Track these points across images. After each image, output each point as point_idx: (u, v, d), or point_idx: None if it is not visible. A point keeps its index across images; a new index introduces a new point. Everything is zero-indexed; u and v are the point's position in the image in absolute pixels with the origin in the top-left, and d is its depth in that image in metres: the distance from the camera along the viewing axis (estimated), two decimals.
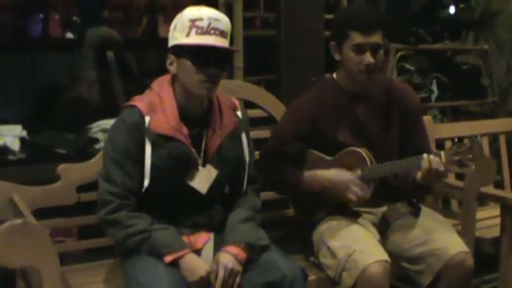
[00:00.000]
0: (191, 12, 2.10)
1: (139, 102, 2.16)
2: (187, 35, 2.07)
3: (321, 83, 2.63)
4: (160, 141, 2.11)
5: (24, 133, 3.29)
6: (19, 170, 3.01)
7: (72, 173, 2.36)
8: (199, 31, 2.06)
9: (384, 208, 2.52)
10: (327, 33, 3.79)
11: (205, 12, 2.09)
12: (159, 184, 2.13)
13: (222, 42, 2.09)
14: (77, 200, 2.37)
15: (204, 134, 2.19)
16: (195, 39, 2.06)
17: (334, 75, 2.53)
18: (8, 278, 2.33)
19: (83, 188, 2.36)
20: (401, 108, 2.50)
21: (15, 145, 3.21)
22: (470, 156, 2.21)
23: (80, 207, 2.37)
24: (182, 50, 2.10)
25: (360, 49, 2.33)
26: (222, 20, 2.10)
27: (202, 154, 2.18)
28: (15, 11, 3.44)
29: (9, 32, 3.44)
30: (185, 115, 2.15)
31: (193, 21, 2.07)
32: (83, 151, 3.21)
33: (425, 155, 2.26)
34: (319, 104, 2.46)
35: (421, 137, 2.55)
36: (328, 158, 2.46)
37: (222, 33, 2.09)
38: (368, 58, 2.33)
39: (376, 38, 2.34)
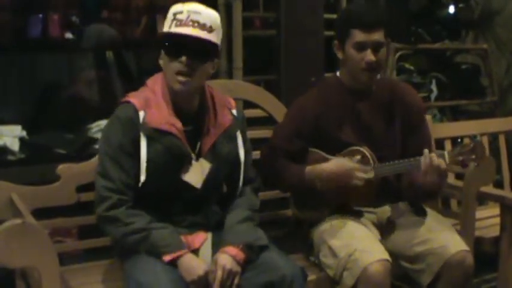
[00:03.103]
0: (176, 6, 2.12)
1: (134, 97, 2.17)
2: (169, 27, 2.09)
3: (324, 82, 2.64)
4: (155, 135, 2.11)
5: (24, 133, 3.30)
6: (19, 170, 3.02)
7: (71, 173, 2.35)
8: (178, 23, 2.07)
9: (385, 208, 2.52)
10: (327, 32, 3.80)
11: (187, 6, 2.09)
12: (155, 180, 2.12)
13: (200, 34, 2.06)
14: (76, 200, 2.36)
15: (199, 132, 2.19)
16: (171, 30, 2.08)
17: (338, 73, 2.53)
18: (8, 278, 2.33)
19: (82, 188, 2.36)
20: (404, 109, 2.50)
21: (15, 145, 3.22)
22: (473, 156, 2.25)
23: (79, 207, 2.37)
24: (161, 41, 2.12)
25: (361, 47, 2.34)
26: (204, 13, 2.08)
27: (197, 151, 2.18)
28: (14, 11, 3.44)
29: (8, 32, 3.44)
30: (178, 112, 2.16)
31: (175, 14, 2.09)
32: (83, 151, 3.22)
33: (426, 151, 2.26)
34: (322, 103, 2.47)
35: (422, 138, 2.54)
36: (330, 157, 2.46)
37: (203, 26, 2.07)
38: (369, 56, 2.34)
39: (377, 36, 2.34)
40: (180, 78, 2.08)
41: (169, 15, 2.11)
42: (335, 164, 2.37)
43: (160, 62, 2.16)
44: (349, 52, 2.38)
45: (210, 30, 2.09)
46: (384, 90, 2.50)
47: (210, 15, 2.11)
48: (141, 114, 2.12)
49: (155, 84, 2.19)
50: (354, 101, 2.46)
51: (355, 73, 2.40)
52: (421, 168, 2.27)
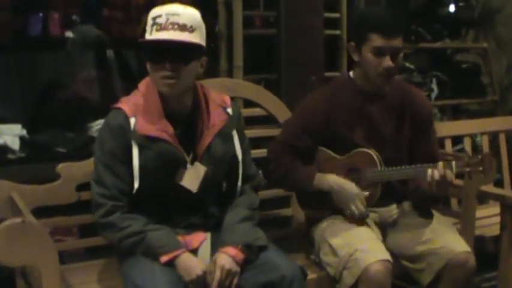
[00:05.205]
0: (155, 10, 2.08)
1: (125, 104, 2.15)
2: (150, 33, 2.06)
3: (336, 81, 2.62)
4: (147, 142, 2.09)
5: (24, 132, 3.30)
6: (19, 168, 3.02)
7: (72, 172, 2.35)
8: (158, 28, 2.04)
9: (388, 207, 2.52)
10: (327, 31, 3.80)
11: (165, 9, 2.06)
12: (149, 185, 2.12)
13: (181, 36, 2.03)
14: (76, 199, 2.37)
15: (193, 135, 2.17)
16: (151, 37, 2.05)
17: (351, 74, 2.51)
18: (8, 276, 2.33)
19: (82, 187, 2.36)
20: (414, 113, 2.48)
21: (15, 144, 3.21)
22: (480, 168, 2.26)
23: (79, 205, 2.37)
24: (143, 50, 2.10)
25: (379, 52, 2.31)
26: (183, 13, 2.04)
27: (191, 154, 2.16)
28: (15, 10, 3.43)
29: (9, 30, 3.44)
30: (170, 115, 2.14)
31: (154, 19, 2.06)
32: (83, 150, 3.21)
33: (433, 165, 2.27)
34: (333, 102, 2.45)
35: (430, 143, 2.54)
36: (338, 157, 2.46)
37: (183, 27, 2.03)
38: (387, 62, 2.31)
39: (397, 42, 2.31)
40: (167, 81, 2.06)
41: (149, 20, 2.07)
42: (346, 182, 2.39)
43: (148, 65, 2.12)
44: (366, 56, 2.34)
45: (191, 30, 2.05)
46: (396, 94, 2.48)
47: (190, 15, 2.07)
48: (132, 121, 2.10)
49: (146, 87, 2.17)
50: (366, 103, 2.45)
51: (371, 77, 2.37)
52: (426, 175, 2.27)
